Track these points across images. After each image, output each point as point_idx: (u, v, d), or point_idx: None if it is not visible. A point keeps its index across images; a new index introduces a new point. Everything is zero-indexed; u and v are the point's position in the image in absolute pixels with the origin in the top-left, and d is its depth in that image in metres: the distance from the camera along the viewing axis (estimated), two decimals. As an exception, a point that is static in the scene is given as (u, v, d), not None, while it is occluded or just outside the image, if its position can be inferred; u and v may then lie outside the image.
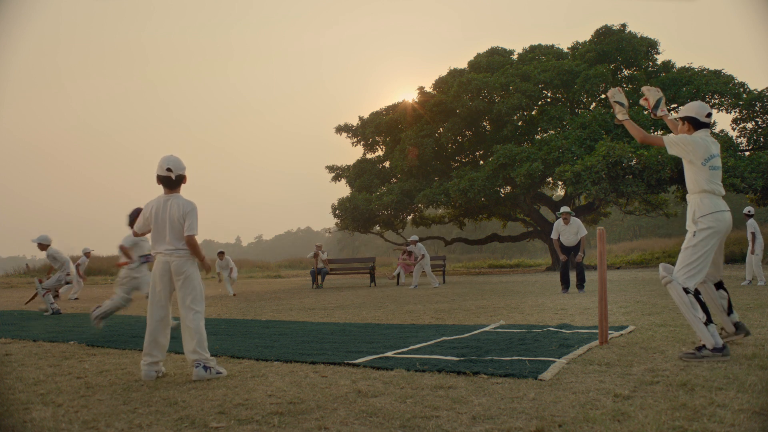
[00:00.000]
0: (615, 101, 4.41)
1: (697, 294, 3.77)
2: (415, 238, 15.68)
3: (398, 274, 16.95)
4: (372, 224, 26.13)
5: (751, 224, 10.86)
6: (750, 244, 10.79)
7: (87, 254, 16.42)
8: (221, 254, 14.85)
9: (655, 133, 21.93)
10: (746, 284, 10.61)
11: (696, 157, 3.93)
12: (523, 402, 2.75)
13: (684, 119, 4.15)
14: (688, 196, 4.08)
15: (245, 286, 19.61)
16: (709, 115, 4.11)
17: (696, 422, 2.34)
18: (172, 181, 3.84)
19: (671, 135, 4.11)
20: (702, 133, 4.04)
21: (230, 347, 4.77)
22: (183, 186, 3.94)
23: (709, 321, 3.72)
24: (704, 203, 3.92)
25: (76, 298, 14.68)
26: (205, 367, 3.65)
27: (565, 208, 10.51)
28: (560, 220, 10.46)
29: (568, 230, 10.34)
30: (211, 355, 3.78)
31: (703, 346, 3.69)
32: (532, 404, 2.70)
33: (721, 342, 3.71)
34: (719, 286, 4.16)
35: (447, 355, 4.03)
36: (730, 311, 4.14)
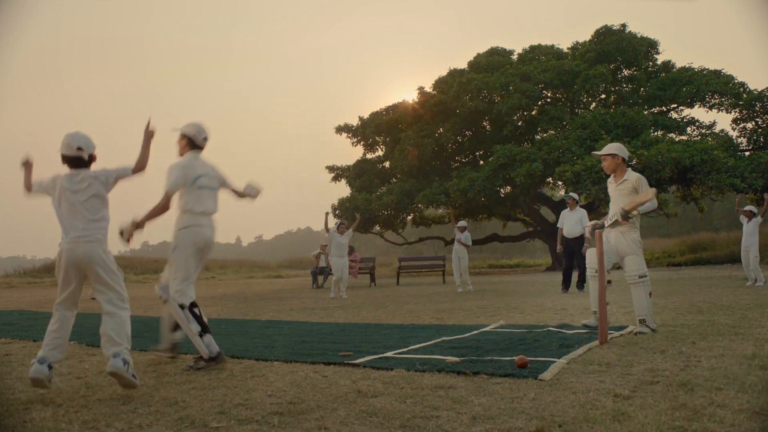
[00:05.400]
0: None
1: (191, 307, 3.92)
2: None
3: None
4: (372, 224, 26.16)
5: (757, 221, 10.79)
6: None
7: None
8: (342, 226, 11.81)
9: (655, 134, 21.91)
10: (753, 284, 10.32)
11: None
12: (523, 402, 2.75)
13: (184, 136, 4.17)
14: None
15: (246, 286, 19.62)
16: (206, 139, 4.22)
17: (696, 422, 2.34)
18: (83, 161, 3.50)
19: None
20: (192, 155, 4.16)
21: (230, 347, 4.77)
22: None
23: (204, 332, 3.89)
24: (181, 220, 4.02)
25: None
26: (124, 361, 3.35)
27: (573, 194, 10.48)
28: (566, 208, 10.42)
29: (572, 217, 10.22)
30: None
31: (201, 357, 3.88)
32: (532, 404, 2.70)
33: (216, 351, 3.89)
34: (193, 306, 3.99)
35: (447, 355, 4.03)
36: (172, 329, 4.15)
